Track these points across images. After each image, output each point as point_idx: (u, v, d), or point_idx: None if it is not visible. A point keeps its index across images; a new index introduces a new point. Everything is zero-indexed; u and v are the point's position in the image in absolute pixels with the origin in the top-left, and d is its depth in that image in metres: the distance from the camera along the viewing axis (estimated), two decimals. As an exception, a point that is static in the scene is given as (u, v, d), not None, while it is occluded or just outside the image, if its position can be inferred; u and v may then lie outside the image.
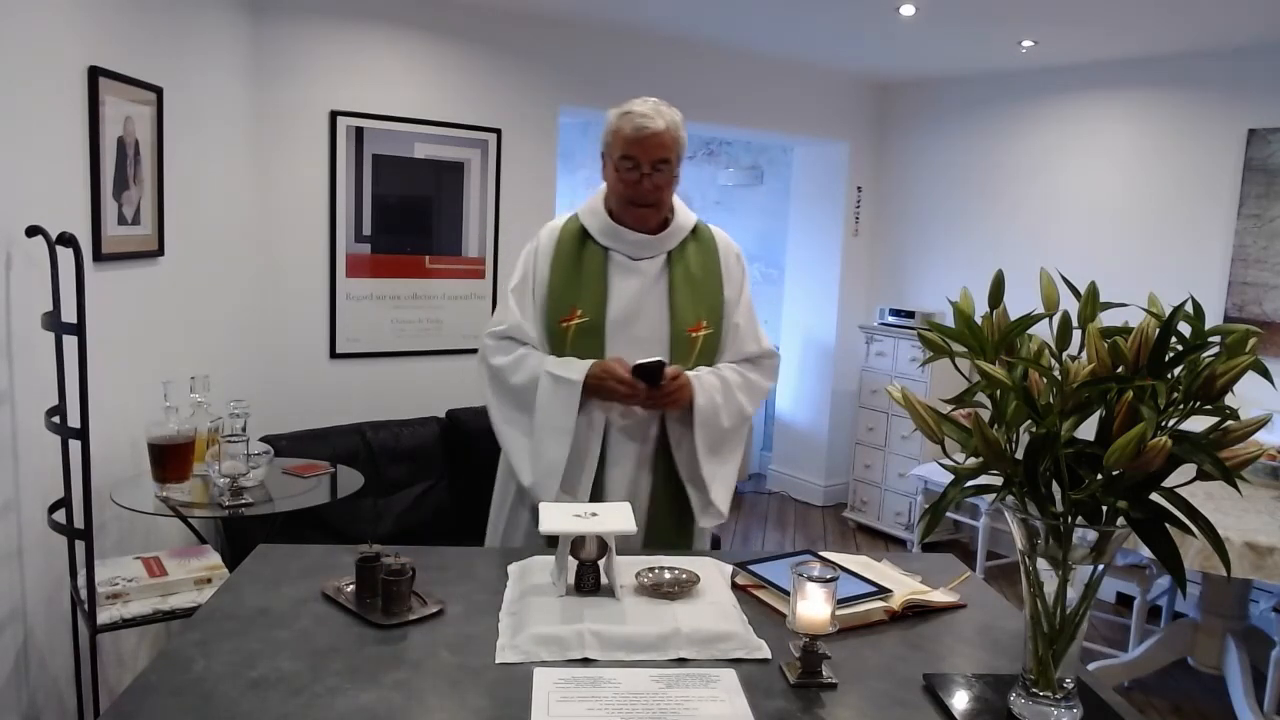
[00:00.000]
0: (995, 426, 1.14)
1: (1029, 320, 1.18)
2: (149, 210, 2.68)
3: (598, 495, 2.03)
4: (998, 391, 1.15)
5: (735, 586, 1.58)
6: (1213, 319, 1.14)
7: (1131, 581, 3.51)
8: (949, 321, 1.23)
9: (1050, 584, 1.14)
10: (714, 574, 1.60)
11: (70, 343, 2.01)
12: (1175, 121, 4.15)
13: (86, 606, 2.09)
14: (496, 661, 1.29)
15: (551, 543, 1.61)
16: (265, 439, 3.00)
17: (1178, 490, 1.09)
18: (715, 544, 4.00)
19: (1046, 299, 1.20)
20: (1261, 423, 1.08)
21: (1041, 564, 1.15)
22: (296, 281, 3.65)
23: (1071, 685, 1.16)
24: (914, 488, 4.72)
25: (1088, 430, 1.10)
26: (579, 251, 2.07)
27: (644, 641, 1.33)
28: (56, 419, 2.04)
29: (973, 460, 1.15)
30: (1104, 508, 1.10)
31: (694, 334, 2.06)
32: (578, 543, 1.49)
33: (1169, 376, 1.09)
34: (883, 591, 1.51)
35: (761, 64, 4.78)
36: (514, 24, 4.00)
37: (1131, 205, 4.32)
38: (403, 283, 3.88)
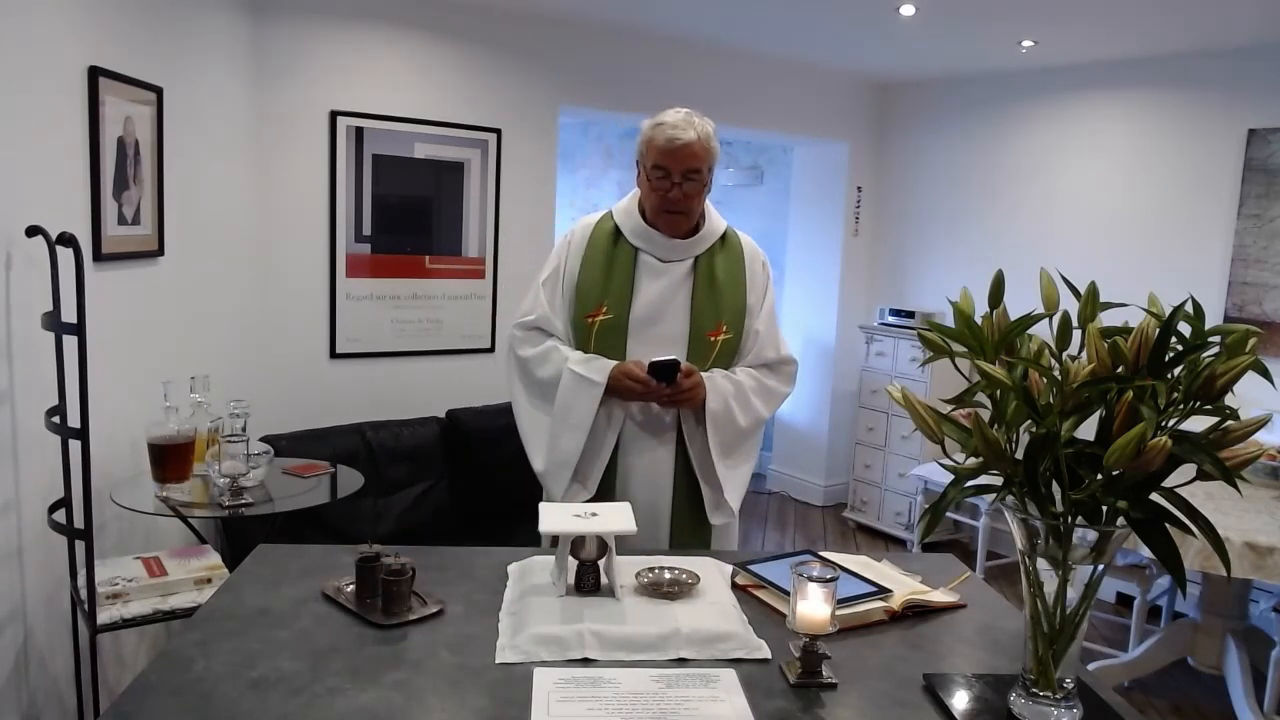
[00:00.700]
0: (995, 426, 1.14)
1: (1029, 320, 1.18)
2: (149, 210, 2.68)
3: (614, 489, 2.09)
4: (998, 391, 1.15)
5: (735, 586, 1.58)
6: (1213, 319, 1.14)
7: (1131, 581, 3.51)
8: (949, 321, 1.23)
9: (1050, 584, 1.14)
10: (714, 574, 1.60)
11: (70, 343, 2.01)
12: (1175, 121, 4.15)
13: (86, 606, 2.09)
14: (496, 661, 1.29)
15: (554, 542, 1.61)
16: (265, 439, 3.00)
17: (1178, 490, 1.09)
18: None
19: (1046, 299, 1.20)
20: (1261, 423, 1.08)
21: (1041, 564, 1.15)
22: (296, 281, 3.64)
23: (1071, 685, 1.16)
24: (914, 488, 4.72)
25: (1088, 430, 1.10)
26: (610, 250, 2.13)
27: (644, 641, 1.33)
28: (56, 419, 2.04)
29: (973, 460, 1.15)
30: (1104, 508, 1.10)
31: (713, 338, 2.11)
32: (578, 543, 1.50)
33: (1169, 376, 1.09)
34: (883, 591, 1.51)
35: (761, 64, 4.78)
36: (514, 24, 4.00)
37: (1131, 205, 4.32)
38: (403, 283, 3.88)
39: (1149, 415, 1.04)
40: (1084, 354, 1.11)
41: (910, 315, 5.01)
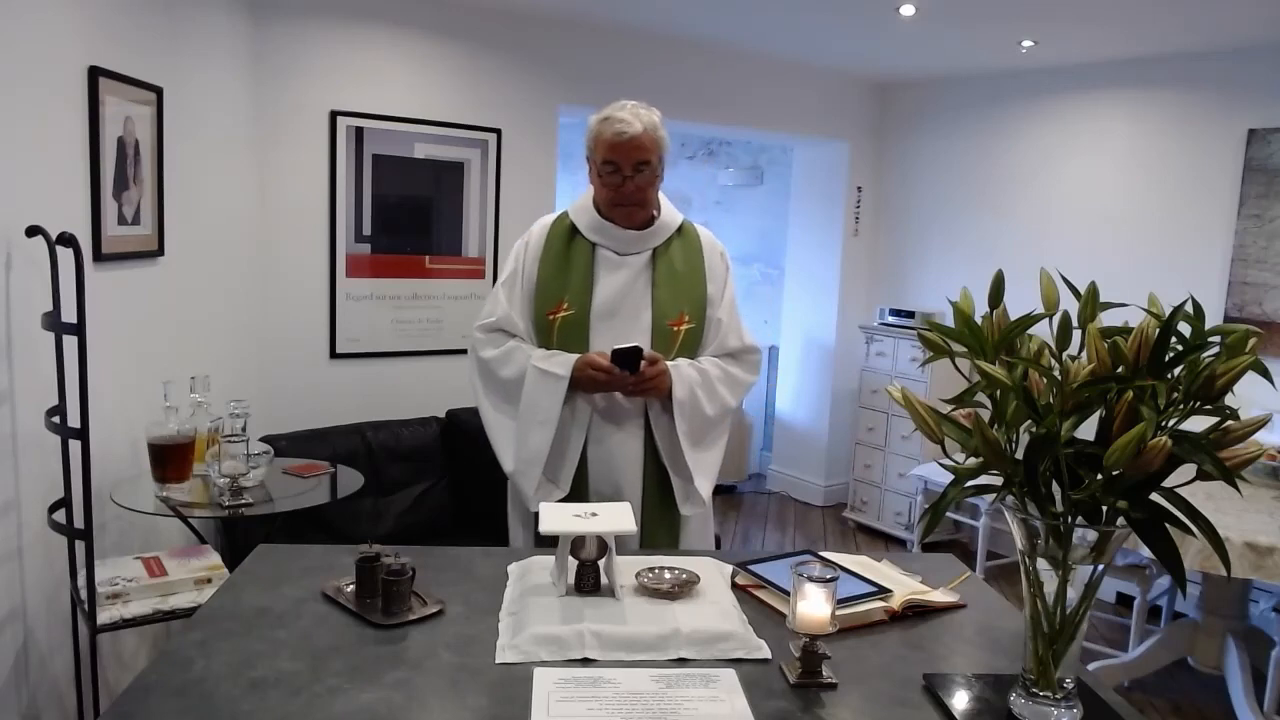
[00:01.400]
0: (995, 426, 1.14)
1: (1029, 320, 1.17)
2: (149, 210, 2.68)
3: (585, 483, 2.10)
4: (998, 391, 1.15)
5: (735, 586, 1.58)
6: (1213, 319, 1.14)
7: (1131, 581, 3.51)
8: (949, 321, 1.23)
9: (1050, 584, 1.14)
10: (714, 574, 1.60)
11: (70, 343, 2.01)
12: (1175, 121, 4.15)
13: (86, 606, 2.09)
14: (496, 661, 1.29)
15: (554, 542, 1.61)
16: (265, 439, 3.00)
17: (1178, 490, 1.09)
18: (716, 544, 4.01)
19: (1046, 299, 1.20)
20: (1261, 423, 1.08)
21: (1041, 564, 1.15)
22: (296, 282, 3.65)
23: (1071, 685, 1.16)
24: (914, 488, 4.72)
25: (1088, 430, 1.10)
26: (567, 247, 2.15)
27: (644, 641, 1.33)
28: (56, 419, 2.04)
29: (973, 460, 1.15)
30: (1104, 508, 1.10)
31: (676, 327, 2.13)
32: (578, 543, 1.49)
33: (1169, 376, 1.09)
34: (883, 591, 1.51)
35: (761, 64, 4.78)
36: (514, 24, 4.00)
37: (1131, 205, 4.32)
38: (403, 283, 3.88)
39: (1149, 415, 1.03)
40: (1084, 354, 1.11)
41: (910, 315, 5.01)
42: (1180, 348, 1.09)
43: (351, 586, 1.48)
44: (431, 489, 3.63)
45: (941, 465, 1.21)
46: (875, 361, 5.12)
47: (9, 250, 2.02)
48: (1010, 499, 1.15)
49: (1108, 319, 1.14)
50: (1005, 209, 4.84)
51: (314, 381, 3.72)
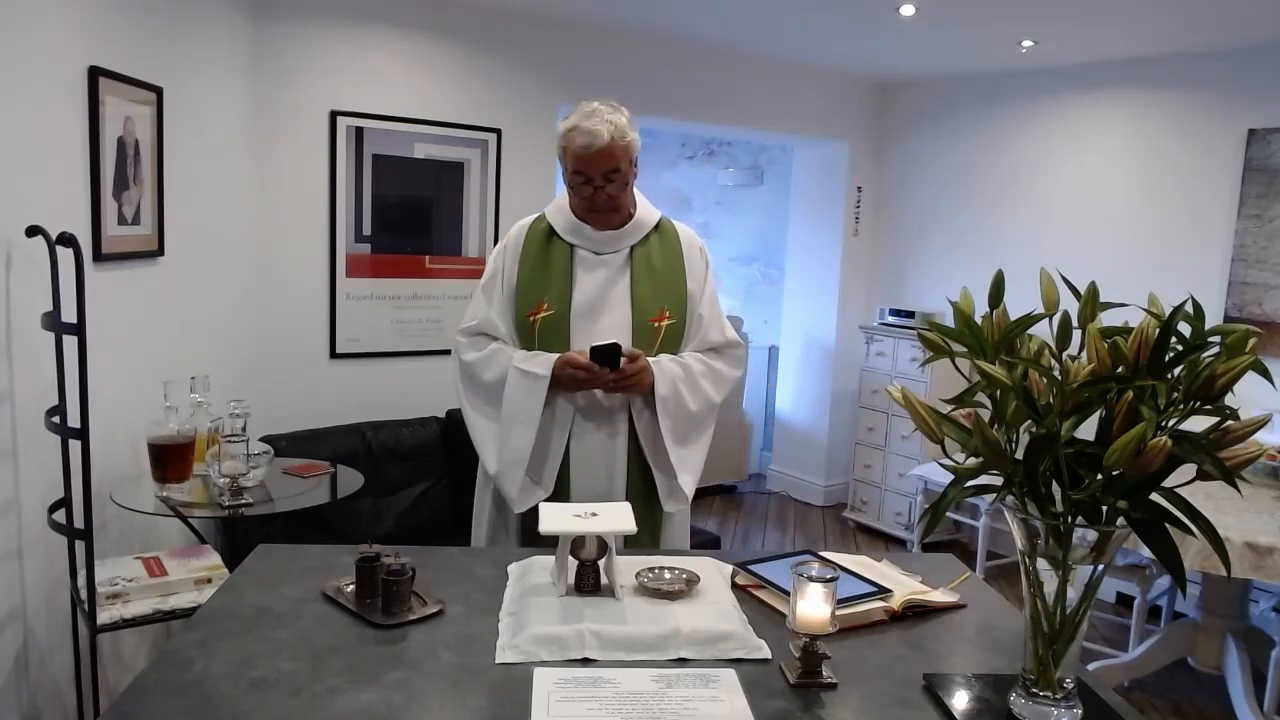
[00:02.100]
0: (995, 426, 1.14)
1: (1029, 320, 1.17)
2: (149, 210, 2.68)
3: (568, 482, 2.10)
4: (998, 391, 1.15)
5: (735, 586, 1.58)
6: (1213, 319, 1.14)
7: (1131, 581, 3.51)
8: (949, 321, 1.23)
9: (1050, 584, 1.14)
10: (714, 574, 1.60)
11: (70, 343, 2.01)
12: (1175, 121, 4.15)
13: (86, 606, 2.09)
14: (496, 661, 1.29)
15: (548, 542, 1.61)
16: (265, 439, 3.00)
17: (1178, 490, 1.09)
18: (715, 544, 4.01)
19: (1046, 299, 1.20)
20: (1261, 423, 1.08)
21: (1041, 564, 1.15)
22: (296, 282, 3.65)
23: (1071, 685, 1.16)
24: (914, 488, 4.72)
25: (1088, 430, 1.10)
26: (545, 248, 2.16)
27: (644, 641, 1.33)
28: (56, 419, 2.04)
29: (973, 460, 1.15)
30: (1104, 508, 1.10)
31: (657, 324, 2.13)
32: (578, 543, 1.49)
33: (1169, 376, 1.09)
34: (883, 591, 1.51)
35: (761, 64, 4.78)
36: (514, 24, 4.00)
37: (1131, 205, 4.32)
38: (403, 283, 3.88)
39: (1149, 415, 1.03)
40: (1084, 354, 1.11)
41: (910, 315, 5.01)
42: (1180, 348, 1.09)
43: (351, 586, 1.48)
44: (431, 489, 3.63)
45: (941, 465, 1.21)
46: (875, 361, 5.12)
47: (9, 250, 2.02)
48: (1010, 499, 1.15)
49: (1108, 319, 1.14)
50: (1005, 209, 4.84)
51: (314, 381, 3.72)
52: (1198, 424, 1.09)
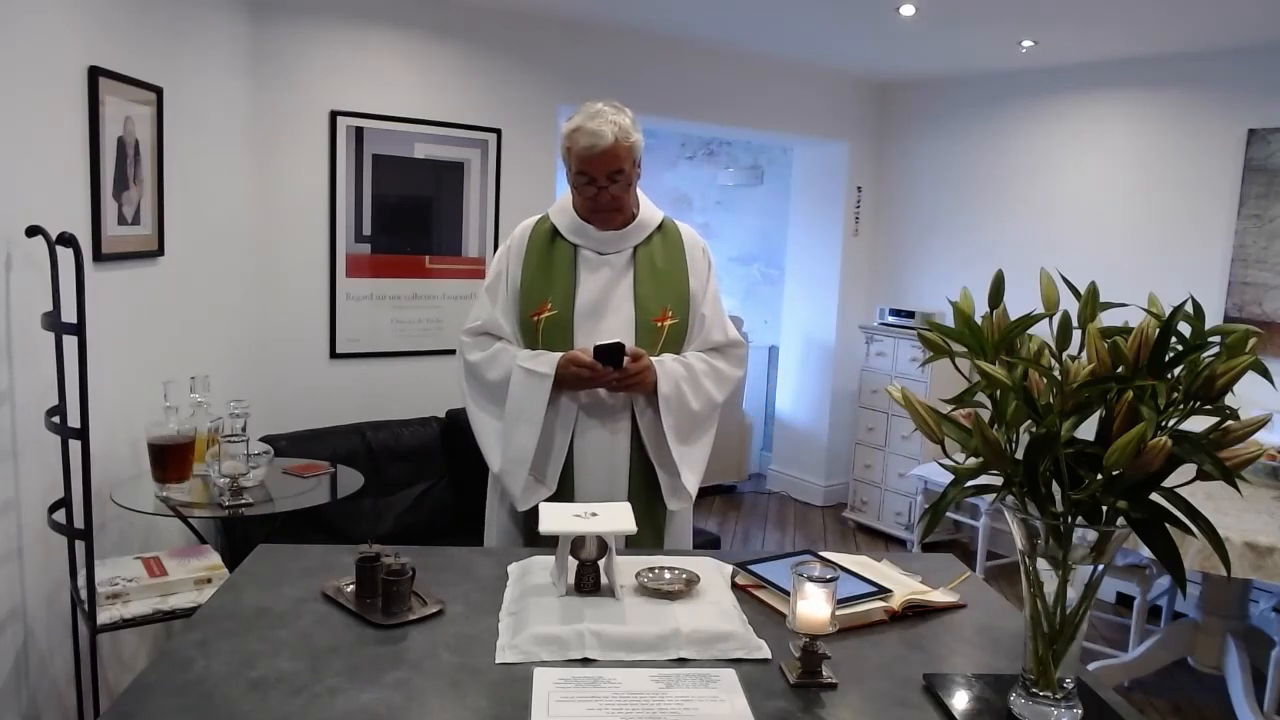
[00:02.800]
0: (995, 426, 1.14)
1: (1029, 320, 1.17)
2: (149, 210, 2.68)
3: (571, 480, 2.11)
4: (998, 391, 1.15)
5: (735, 586, 1.58)
6: (1213, 319, 1.14)
7: (1131, 581, 3.51)
8: (949, 321, 1.23)
9: (1050, 584, 1.14)
10: (714, 574, 1.60)
11: (70, 343, 2.01)
12: (1175, 121, 4.15)
13: (86, 606, 2.09)
14: (496, 661, 1.29)
15: (554, 541, 1.62)
16: (265, 439, 3.00)
17: (1178, 490, 1.09)
18: (715, 544, 4.01)
19: (1046, 299, 1.20)
20: (1261, 423, 1.08)
21: (1041, 564, 1.15)
22: (296, 281, 3.65)
23: (1071, 685, 1.16)
24: (914, 488, 4.72)
25: (1088, 430, 1.10)
26: (549, 248, 2.17)
27: (644, 641, 1.33)
28: (56, 419, 2.04)
29: (973, 460, 1.15)
30: (1104, 508, 1.10)
31: (660, 324, 2.14)
32: (578, 543, 1.49)
33: (1169, 376, 1.09)
34: (883, 591, 1.51)
35: (761, 64, 4.78)
36: (514, 24, 4.00)
37: (1131, 205, 4.32)
38: (403, 283, 3.88)
39: (1149, 415, 1.03)
40: (1084, 354, 1.11)
41: (910, 315, 5.01)
42: (1180, 348, 1.09)
43: (351, 586, 1.48)
44: (431, 489, 3.63)
45: (941, 465, 1.21)
46: (875, 361, 5.12)
47: (9, 250, 2.02)
48: (1010, 499, 1.15)
49: (1108, 319, 1.14)
50: (1005, 209, 4.84)
51: (314, 381, 3.72)
52: (1198, 424, 1.09)
